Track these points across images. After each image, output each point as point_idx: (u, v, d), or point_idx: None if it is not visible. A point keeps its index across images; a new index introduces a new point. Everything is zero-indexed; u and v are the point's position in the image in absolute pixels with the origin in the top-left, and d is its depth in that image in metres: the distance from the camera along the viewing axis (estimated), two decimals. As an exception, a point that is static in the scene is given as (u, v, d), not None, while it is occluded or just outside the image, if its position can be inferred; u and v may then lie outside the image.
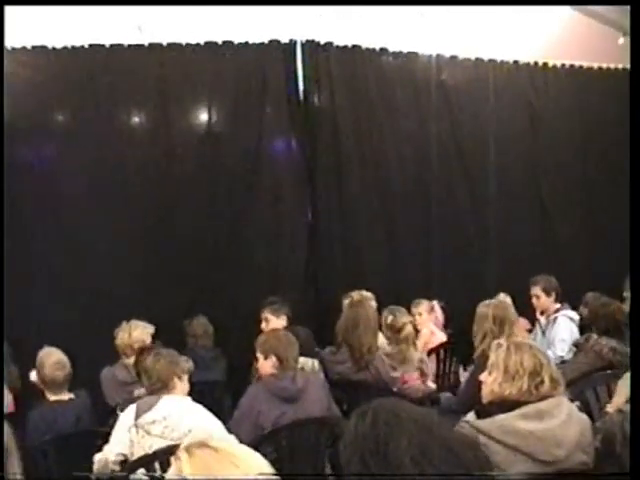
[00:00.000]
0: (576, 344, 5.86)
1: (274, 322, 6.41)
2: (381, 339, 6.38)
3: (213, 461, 2.08)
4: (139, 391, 5.04)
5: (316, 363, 5.91)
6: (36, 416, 5.14)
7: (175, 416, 4.32)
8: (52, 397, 5.30)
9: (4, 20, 5.80)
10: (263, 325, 6.46)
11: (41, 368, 5.34)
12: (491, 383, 3.51)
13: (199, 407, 4.52)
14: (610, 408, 3.98)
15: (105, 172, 7.24)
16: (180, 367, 4.68)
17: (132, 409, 4.42)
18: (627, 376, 3.89)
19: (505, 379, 3.45)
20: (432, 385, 6.31)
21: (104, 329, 6.17)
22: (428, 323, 7.13)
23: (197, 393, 4.82)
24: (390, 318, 6.22)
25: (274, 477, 2.13)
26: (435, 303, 7.51)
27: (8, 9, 6.58)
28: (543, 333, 7.08)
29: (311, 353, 5.95)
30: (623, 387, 3.97)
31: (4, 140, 6.57)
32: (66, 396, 5.32)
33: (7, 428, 3.56)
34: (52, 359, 5.35)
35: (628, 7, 5.69)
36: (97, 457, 4.43)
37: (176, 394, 4.55)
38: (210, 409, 4.54)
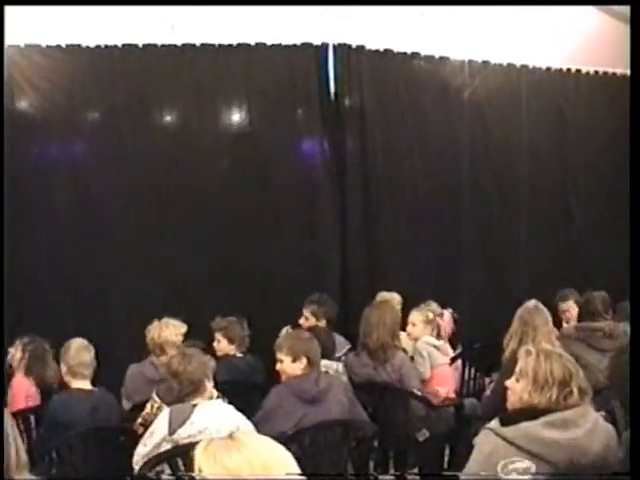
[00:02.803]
0: None
1: (312, 322, 6.46)
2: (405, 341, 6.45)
3: (222, 448, 2.10)
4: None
5: (340, 366, 5.92)
6: (56, 401, 5.13)
7: (211, 429, 4.22)
8: (73, 385, 5.23)
9: (4, 20, 5.85)
10: (302, 321, 6.50)
11: (66, 354, 5.29)
12: (520, 391, 3.46)
13: (231, 410, 4.51)
14: None
15: (137, 171, 7.29)
16: (209, 366, 4.65)
17: (164, 420, 4.34)
18: None
19: (534, 388, 3.40)
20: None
21: (133, 328, 6.21)
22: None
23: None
24: None
25: (298, 477, 2.13)
26: (446, 312, 7.43)
27: (42, 8, 6.70)
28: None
29: (331, 355, 5.96)
30: None
31: (3, 136, 6.55)
32: (87, 386, 5.27)
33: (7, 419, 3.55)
34: (76, 344, 5.33)
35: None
36: (134, 459, 4.39)
37: (206, 396, 4.54)
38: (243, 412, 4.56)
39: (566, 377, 3.42)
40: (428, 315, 6.57)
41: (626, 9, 8.87)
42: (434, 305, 7.03)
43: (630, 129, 5.28)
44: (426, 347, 6.31)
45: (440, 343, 6.50)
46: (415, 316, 6.56)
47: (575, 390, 3.40)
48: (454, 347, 6.94)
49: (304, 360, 4.90)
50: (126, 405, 5.67)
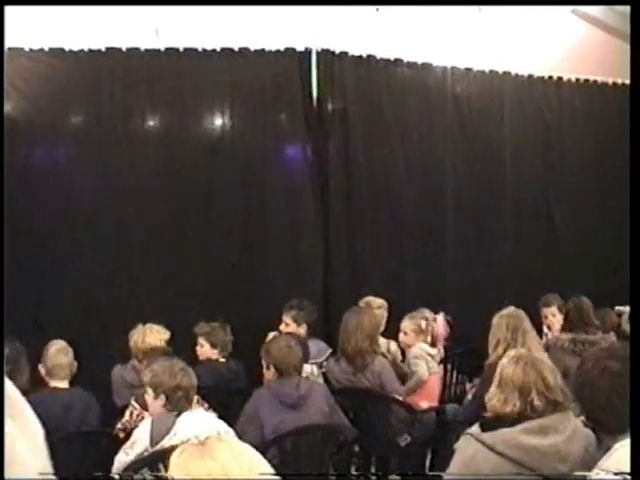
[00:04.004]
0: None
1: (293, 328, 6.44)
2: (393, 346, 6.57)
3: (195, 454, 2.11)
4: None
5: (315, 369, 5.94)
6: (31, 399, 5.14)
7: (194, 440, 4.15)
8: (51, 384, 5.31)
9: (4, 20, 5.83)
10: (282, 327, 6.50)
11: (46, 355, 5.38)
12: (498, 397, 3.49)
13: (213, 418, 4.49)
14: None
15: (119, 176, 7.27)
16: (195, 378, 4.59)
17: (146, 431, 4.29)
18: None
19: (512, 394, 3.42)
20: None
21: (117, 333, 6.20)
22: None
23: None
24: None
25: (274, 477, 2.14)
26: (439, 316, 7.47)
27: (26, 11, 6.67)
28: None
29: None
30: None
31: (4, 139, 6.55)
32: (64, 386, 5.33)
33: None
34: (56, 346, 5.42)
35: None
36: (115, 465, 4.36)
37: (195, 407, 4.51)
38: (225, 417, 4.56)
39: (545, 384, 3.44)
40: (420, 324, 6.56)
41: (607, 17, 8.99)
42: (426, 311, 7.03)
43: (630, 131, 5.30)
44: (422, 353, 6.34)
45: (435, 352, 6.51)
46: (406, 324, 6.56)
47: (554, 396, 3.43)
48: (448, 352, 6.94)
49: (272, 369, 4.97)
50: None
